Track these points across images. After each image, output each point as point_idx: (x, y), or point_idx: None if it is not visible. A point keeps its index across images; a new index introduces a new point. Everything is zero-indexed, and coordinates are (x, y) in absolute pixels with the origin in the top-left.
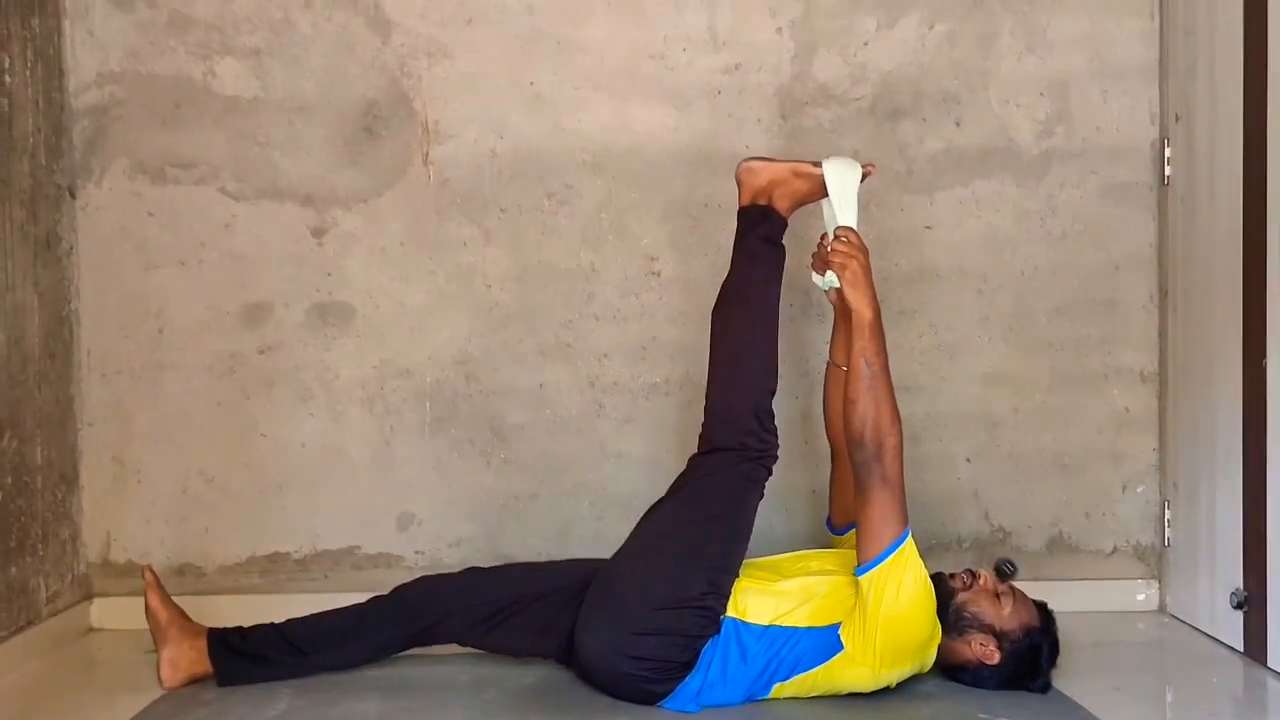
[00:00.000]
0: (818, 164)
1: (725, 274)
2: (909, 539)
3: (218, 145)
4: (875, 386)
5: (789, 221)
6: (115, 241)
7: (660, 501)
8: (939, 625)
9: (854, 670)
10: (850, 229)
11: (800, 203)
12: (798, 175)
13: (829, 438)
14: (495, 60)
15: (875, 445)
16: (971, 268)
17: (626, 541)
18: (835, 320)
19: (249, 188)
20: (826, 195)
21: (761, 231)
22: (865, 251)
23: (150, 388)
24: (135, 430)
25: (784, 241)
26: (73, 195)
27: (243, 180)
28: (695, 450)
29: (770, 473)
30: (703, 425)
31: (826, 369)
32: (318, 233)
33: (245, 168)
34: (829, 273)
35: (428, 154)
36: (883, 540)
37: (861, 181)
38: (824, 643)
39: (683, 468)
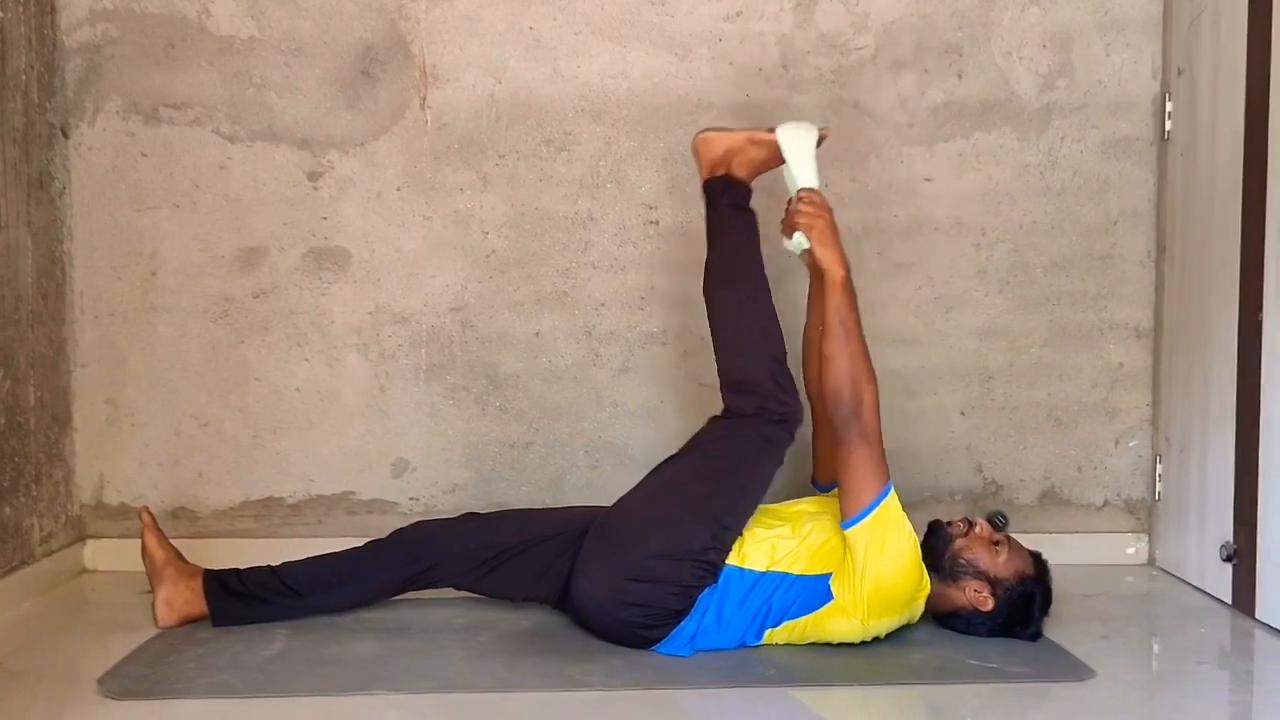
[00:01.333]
0: (772, 130)
1: None
2: (892, 493)
3: (212, 86)
4: (850, 343)
5: (752, 188)
6: (108, 182)
7: (672, 457)
8: (927, 576)
9: (843, 620)
10: (812, 190)
11: (759, 170)
12: (754, 143)
13: (809, 396)
14: (494, 3)
15: (853, 401)
16: (970, 221)
17: (631, 491)
18: (810, 282)
19: (244, 129)
20: (784, 161)
21: (729, 199)
22: (830, 210)
23: (144, 330)
24: (128, 372)
25: (752, 206)
26: (65, 134)
27: (238, 122)
28: (698, 399)
29: (793, 437)
30: (721, 394)
31: (804, 330)
32: (313, 176)
33: (240, 109)
34: (797, 235)
35: (425, 98)
36: (865, 496)
37: (819, 145)
38: (815, 591)
39: (679, 417)
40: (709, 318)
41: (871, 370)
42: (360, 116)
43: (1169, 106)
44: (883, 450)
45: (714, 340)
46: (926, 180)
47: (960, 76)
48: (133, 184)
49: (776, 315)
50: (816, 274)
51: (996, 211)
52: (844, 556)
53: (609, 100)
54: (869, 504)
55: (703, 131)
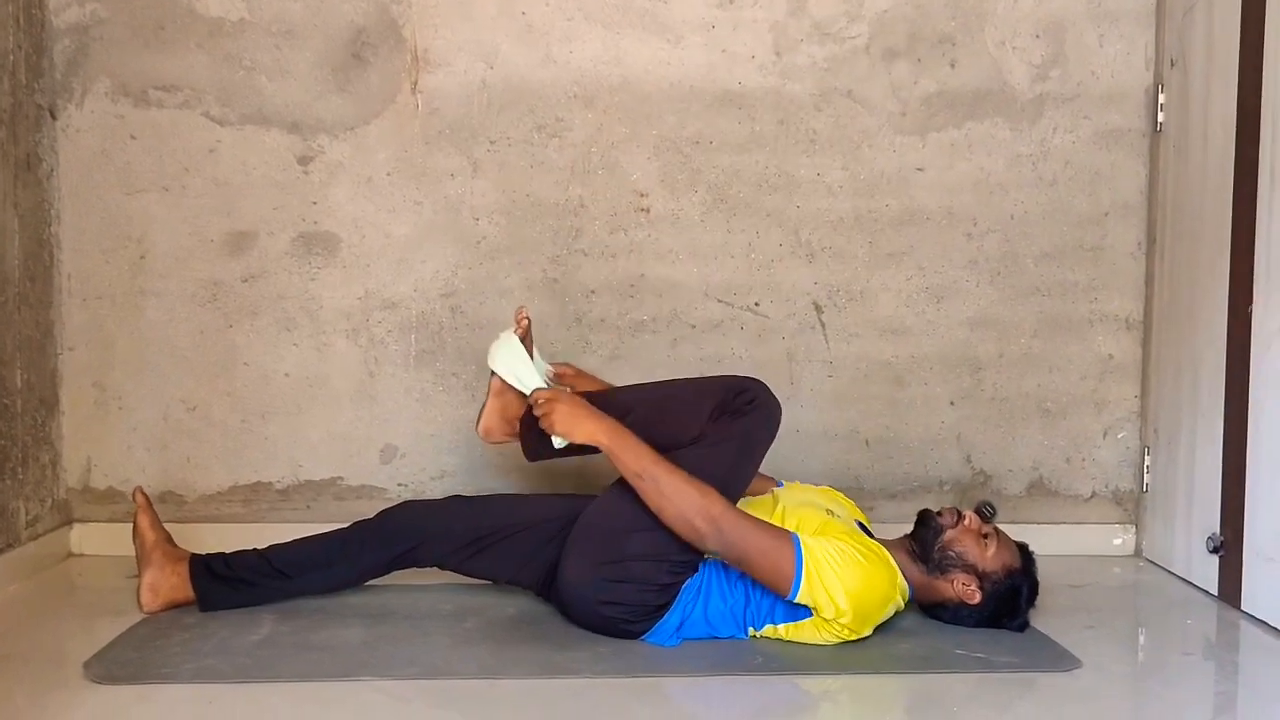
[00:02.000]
0: (492, 374)
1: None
2: (801, 542)
3: (202, 68)
4: (663, 487)
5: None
6: (96, 164)
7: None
8: (896, 569)
9: (824, 634)
10: (536, 390)
11: (518, 411)
12: (499, 398)
13: None
14: None
15: (710, 525)
16: (961, 211)
17: (613, 484)
18: None
19: (234, 113)
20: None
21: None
22: (557, 397)
23: (132, 314)
24: (116, 356)
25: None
26: (53, 116)
27: (227, 105)
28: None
29: (771, 432)
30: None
31: None
32: (304, 160)
33: (230, 92)
34: (554, 437)
35: (416, 82)
36: (785, 571)
37: (522, 334)
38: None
39: None
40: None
41: (697, 485)
42: (351, 100)
43: (1161, 98)
44: (759, 522)
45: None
46: (918, 170)
47: (953, 66)
48: (121, 166)
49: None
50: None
51: (988, 202)
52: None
53: (601, 86)
54: (794, 572)
55: (484, 439)
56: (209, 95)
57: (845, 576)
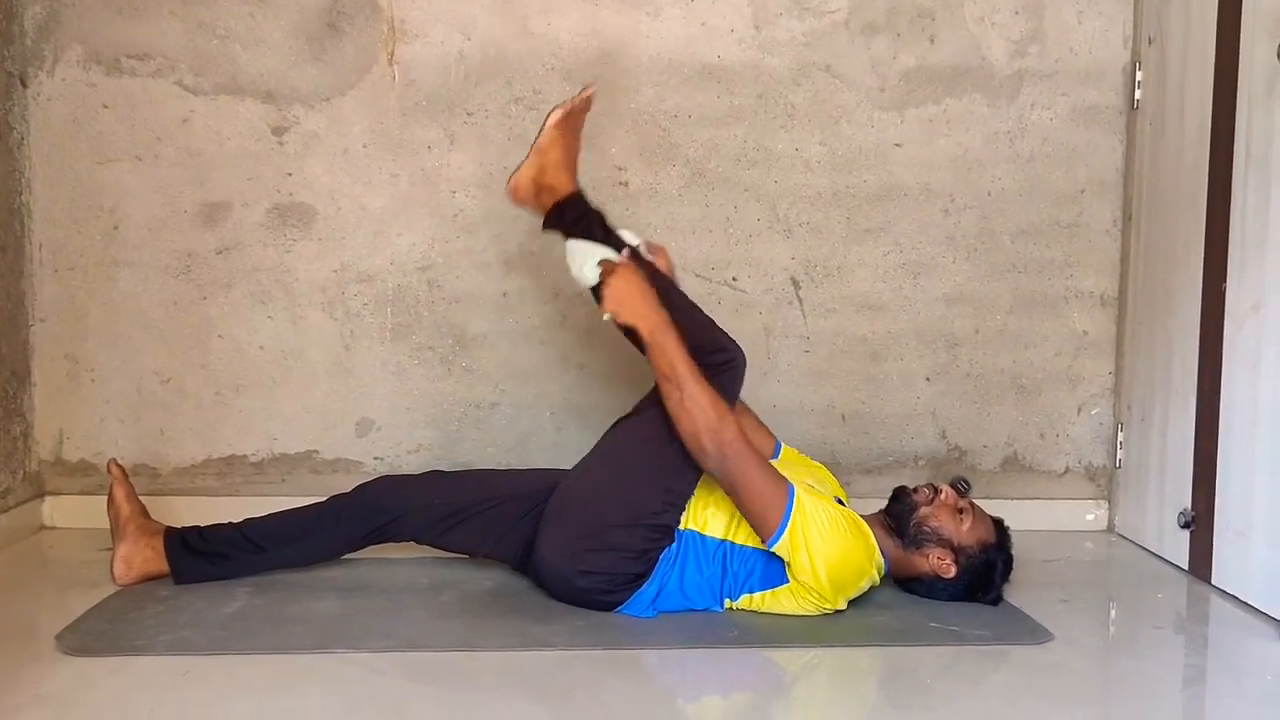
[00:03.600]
0: (542, 128)
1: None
2: (796, 494)
3: (175, 36)
4: (686, 390)
5: (579, 187)
6: (68, 133)
7: (624, 418)
8: (874, 542)
9: (800, 601)
10: (604, 259)
11: (568, 163)
12: (544, 153)
13: None
14: None
15: (715, 447)
16: (939, 187)
17: (587, 455)
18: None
19: (207, 82)
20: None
21: (569, 217)
22: (618, 272)
23: (104, 285)
24: (89, 327)
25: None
26: (24, 84)
27: (201, 74)
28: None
29: (736, 392)
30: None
31: None
32: (278, 131)
33: (204, 61)
34: (604, 314)
35: (393, 53)
36: (773, 515)
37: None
38: (771, 569)
39: (646, 381)
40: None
41: (716, 400)
42: (326, 71)
43: (1139, 75)
44: (763, 461)
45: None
46: (896, 145)
47: (932, 41)
48: (93, 136)
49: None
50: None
51: (965, 178)
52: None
53: (579, 59)
54: (780, 520)
55: (507, 187)
56: (182, 64)
57: (828, 540)
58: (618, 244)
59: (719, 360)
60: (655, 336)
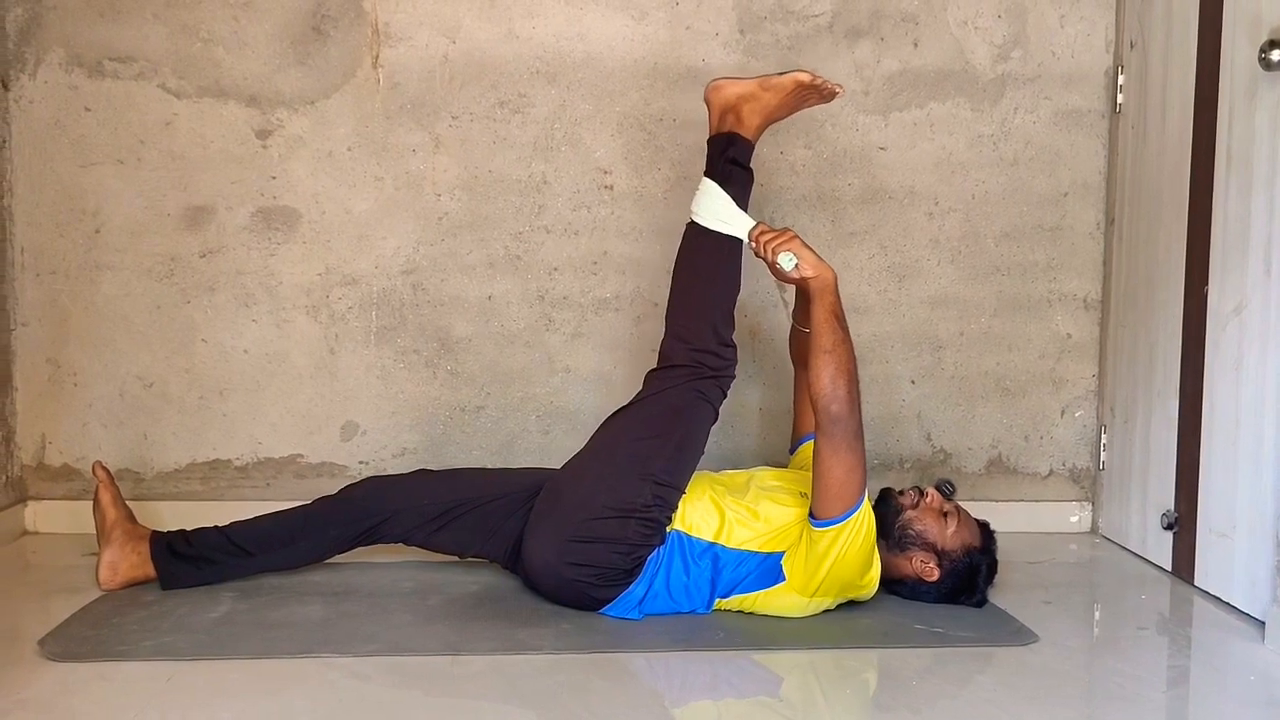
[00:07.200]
0: (784, 73)
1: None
2: (865, 503)
3: (158, 39)
4: (843, 345)
5: (756, 144)
6: (50, 136)
7: (615, 413)
8: (877, 559)
9: (791, 599)
10: (757, 226)
11: (770, 118)
12: (765, 89)
13: (794, 362)
14: None
15: (849, 403)
16: (923, 190)
17: (579, 452)
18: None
19: (190, 85)
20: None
21: (730, 154)
22: (785, 230)
23: (87, 288)
24: (71, 331)
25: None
26: (5, 87)
27: (184, 77)
28: (651, 366)
29: (724, 393)
30: (662, 341)
31: (790, 332)
32: (262, 134)
33: (187, 64)
34: (782, 255)
35: (377, 56)
36: (840, 504)
37: (819, 88)
38: (766, 570)
39: (632, 383)
40: (676, 258)
41: (856, 379)
42: (311, 74)
43: (1121, 79)
44: (864, 454)
45: (672, 282)
46: (881, 149)
47: (916, 45)
48: (76, 139)
49: (739, 271)
50: (804, 291)
51: (949, 181)
52: (799, 538)
53: (564, 62)
54: (843, 513)
55: (715, 79)
56: (165, 67)
57: (861, 554)
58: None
59: (714, 366)
60: (834, 283)
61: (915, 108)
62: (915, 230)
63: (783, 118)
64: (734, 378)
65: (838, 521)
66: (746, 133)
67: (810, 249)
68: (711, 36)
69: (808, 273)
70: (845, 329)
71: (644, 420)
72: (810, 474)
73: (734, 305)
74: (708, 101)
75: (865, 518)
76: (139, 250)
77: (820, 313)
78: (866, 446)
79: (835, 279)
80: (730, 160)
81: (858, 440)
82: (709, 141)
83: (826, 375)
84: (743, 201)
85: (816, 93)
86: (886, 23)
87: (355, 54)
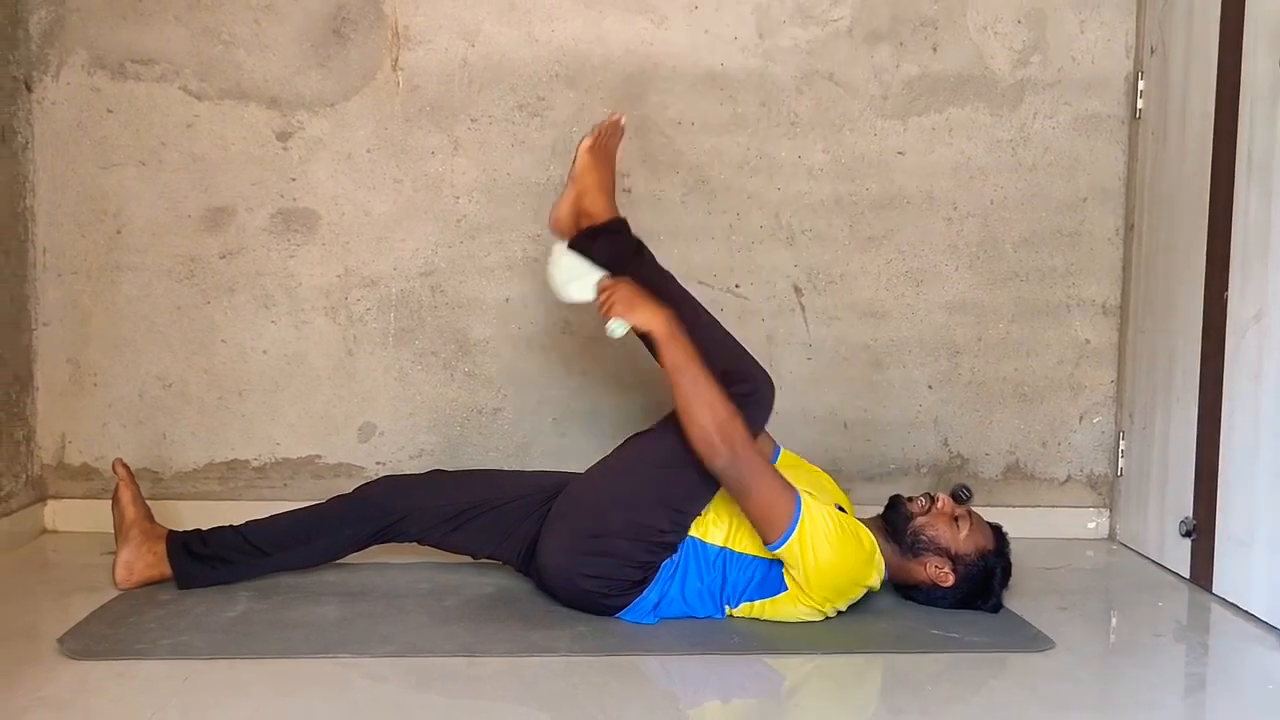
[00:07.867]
0: (574, 157)
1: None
2: (804, 501)
3: (180, 42)
4: (697, 390)
5: (618, 212)
6: (72, 138)
7: (642, 433)
8: (876, 547)
9: (798, 607)
10: (600, 279)
11: (604, 187)
12: (580, 180)
13: None
14: None
15: (727, 448)
16: (941, 195)
17: (601, 461)
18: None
19: (212, 87)
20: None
21: (592, 234)
22: (618, 284)
23: (107, 289)
24: (92, 332)
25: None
26: (29, 88)
27: (205, 79)
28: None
29: (762, 421)
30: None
31: None
32: (283, 136)
33: (208, 66)
34: (608, 325)
35: (397, 59)
36: (780, 523)
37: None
38: (770, 577)
39: (647, 387)
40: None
41: (728, 403)
42: (331, 76)
43: (1141, 85)
44: (771, 468)
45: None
46: (899, 154)
47: (935, 50)
48: (98, 140)
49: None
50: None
51: (968, 186)
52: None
53: (583, 66)
54: (788, 525)
55: (550, 217)
56: (187, 69)
57: (833, 547)
58: (657, 274)
59: (743, 391)
60: (668, 330)
61: (934, 112)
62: (933, 235)
63: (611, 172)
64: (772, 392)
65: (787, 537)
66: (603, 219)
67: (642, 298)
68: (730, 40)
69: (642, 330)
70: (695, 370)
71: (672, 449)
72: (813, 468)
73: (735, 360)
74: (557, 232)
75: (810, 513)
76: (159, 251)
77: (666, 364)
78: (881, 450)
79: (667, 322)
80: (604, 245)
81: (757, 473)
82: (569, 244)
83: (695, 432)
84: (634, 261)
85: (606, 137)
86: (905, 27)
87: (375, 57)
